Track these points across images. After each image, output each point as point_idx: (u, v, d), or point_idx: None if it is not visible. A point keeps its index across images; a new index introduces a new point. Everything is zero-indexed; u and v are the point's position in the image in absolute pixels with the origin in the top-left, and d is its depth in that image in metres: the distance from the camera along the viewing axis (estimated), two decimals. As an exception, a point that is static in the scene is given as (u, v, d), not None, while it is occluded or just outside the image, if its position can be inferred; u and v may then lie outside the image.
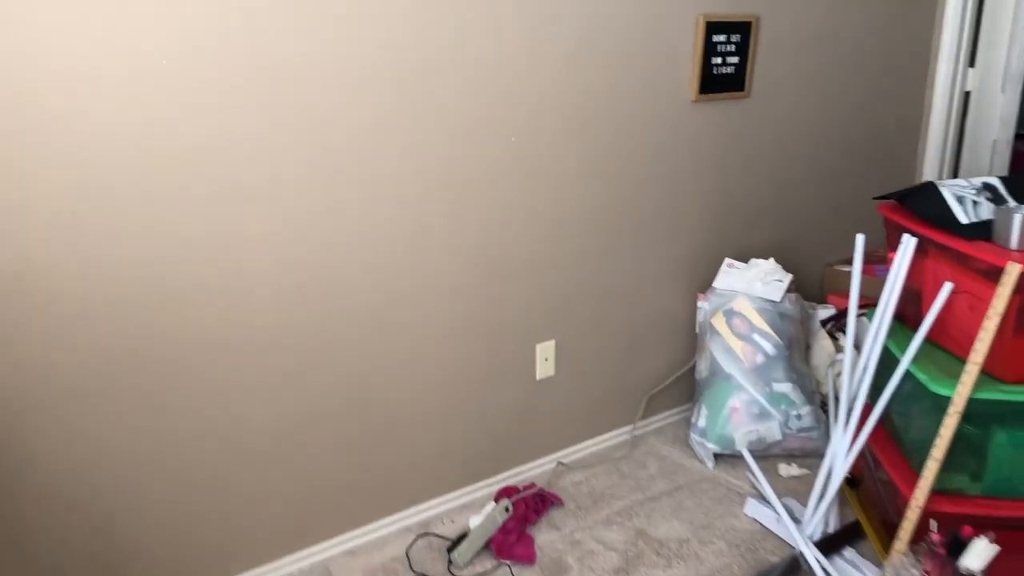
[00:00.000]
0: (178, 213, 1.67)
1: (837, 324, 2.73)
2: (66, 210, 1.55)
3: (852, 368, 2.10)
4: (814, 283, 3.10)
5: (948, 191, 1.97)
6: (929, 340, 1.97)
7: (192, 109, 1.63)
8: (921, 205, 1.98)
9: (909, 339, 1.99)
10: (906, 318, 2.09)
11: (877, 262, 2.97)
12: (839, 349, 2.68)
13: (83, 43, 1.49)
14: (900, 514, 1.95)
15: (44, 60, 1.46)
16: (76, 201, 1.55)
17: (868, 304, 2.51)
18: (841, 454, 2.04)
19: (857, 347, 2.67)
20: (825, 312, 2.79)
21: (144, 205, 1.63)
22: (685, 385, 2.79)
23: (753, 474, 2.41)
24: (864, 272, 3.06)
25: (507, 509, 2.16)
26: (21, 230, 1.51)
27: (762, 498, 2.31)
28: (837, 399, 2.61)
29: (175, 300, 1.71)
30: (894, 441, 2.05)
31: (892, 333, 2.05)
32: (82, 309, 1.61)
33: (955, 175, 3.22)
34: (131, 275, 1.65)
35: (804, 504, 2.28)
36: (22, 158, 1.48)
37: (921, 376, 1.85)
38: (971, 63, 3.11)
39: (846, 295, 2.96)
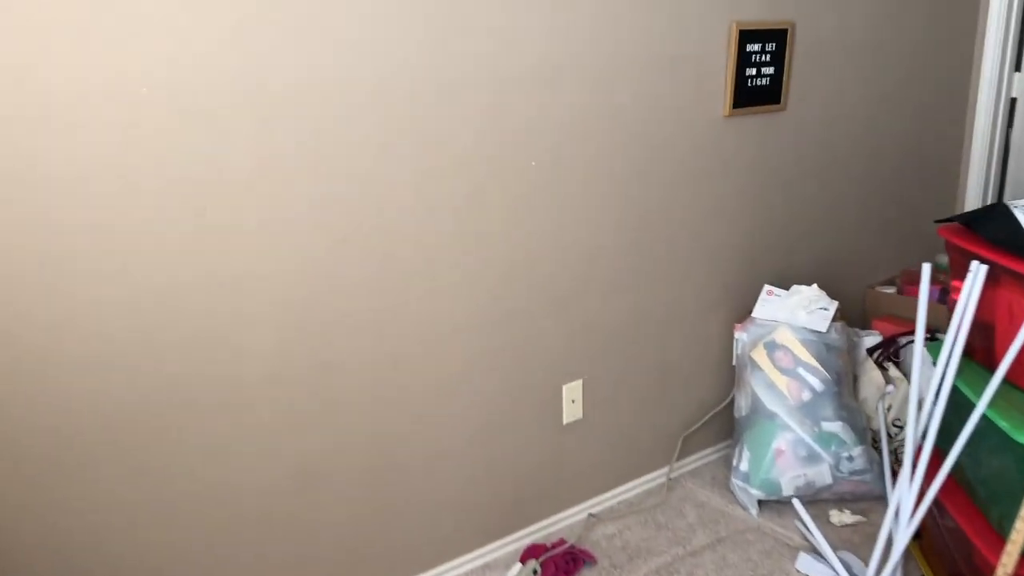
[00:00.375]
0: (165, 253, 1.49)
1: (885, 353, 2.52)
2: (38, 251, 1.38)
3: (917, 415, 1.89)
4: (855, 306, 2.90)
5: (1021, 212, 1.77)
6: (1005, 380, 1.76)
7: (180, 136, 1.45)
8: (990, 228, 1.78)
9: (977, 376, 1.78)
10: (973, 351, 1.88)
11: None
12: (889, 380, 2.47)
13: (60, 59, 1.31)
14: (972, 569, 1.74)
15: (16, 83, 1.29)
16: (49, 240, 1.38)
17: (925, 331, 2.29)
18: (906, 514, 1.83)
19: (906, 375, 2.46)
20: (870, 339, 2.58)
21: (125, 246, 1.45)
22: (722, 421, 2.59)
23: (804, 524, 2.20)
24: (907, 292, 2.86)
25: (535, 572, 1.96)
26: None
27: (815, 551, 2.10)
28: (889, 436, 2.40)
29: (161, 351, 1.53)
30: (961, 486, 1.84)
31: (959, 370, 1.85)
32: (60, 364, 1.44)
33: (1002, 187, 3.01)
34: (114, 324, 1.47)
35: (861, 557, 2.08)
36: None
37: (1002, 424, 1.65)
38: (1017, 67, 2.91)
39: (890, 319, 2.76)
